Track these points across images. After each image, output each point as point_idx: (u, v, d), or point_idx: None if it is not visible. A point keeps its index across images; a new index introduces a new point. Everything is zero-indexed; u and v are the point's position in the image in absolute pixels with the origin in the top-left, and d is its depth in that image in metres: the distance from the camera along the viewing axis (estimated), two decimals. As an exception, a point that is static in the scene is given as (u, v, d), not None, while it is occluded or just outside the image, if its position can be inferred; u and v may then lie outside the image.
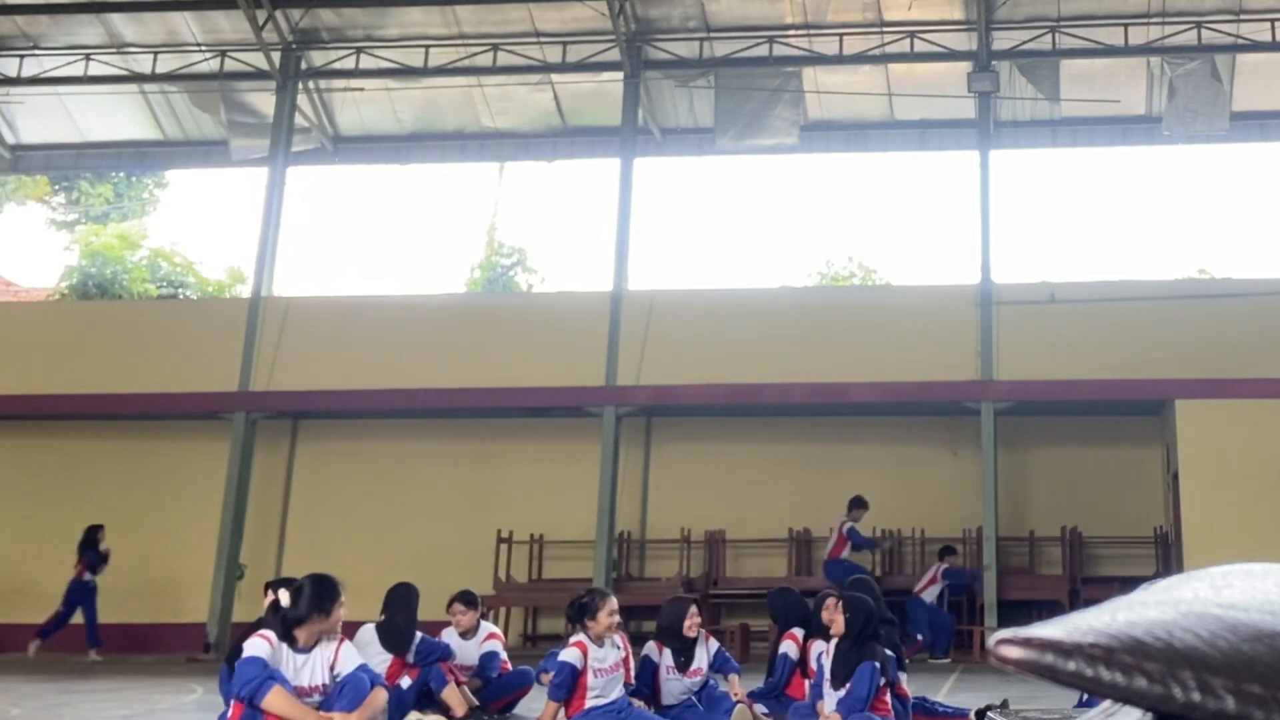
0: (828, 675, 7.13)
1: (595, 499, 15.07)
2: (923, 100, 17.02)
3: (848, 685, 6.90)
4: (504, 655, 8.61)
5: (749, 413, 16.07)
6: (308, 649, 5.56)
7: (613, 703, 7.01)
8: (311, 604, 5.57)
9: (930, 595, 14.26)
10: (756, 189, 36.51)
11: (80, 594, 14.16)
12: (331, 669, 5.63)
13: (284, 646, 5.49)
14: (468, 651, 8.34)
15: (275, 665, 5.47)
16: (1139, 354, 14.86)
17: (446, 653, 7.85)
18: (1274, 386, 14.43)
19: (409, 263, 36.83)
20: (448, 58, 16.99)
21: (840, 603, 7.15)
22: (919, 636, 13.69)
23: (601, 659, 7.02)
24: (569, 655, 6.99)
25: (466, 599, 8.50)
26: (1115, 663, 0.46)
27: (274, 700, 5.35)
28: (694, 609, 7.76)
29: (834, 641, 7.23)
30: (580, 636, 7.07)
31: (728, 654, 8.14)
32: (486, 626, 8.68)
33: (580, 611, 7.12)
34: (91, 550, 14.38)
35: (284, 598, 5.60)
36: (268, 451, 16.33)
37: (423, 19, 16.85)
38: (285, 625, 5.55)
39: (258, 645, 5.47)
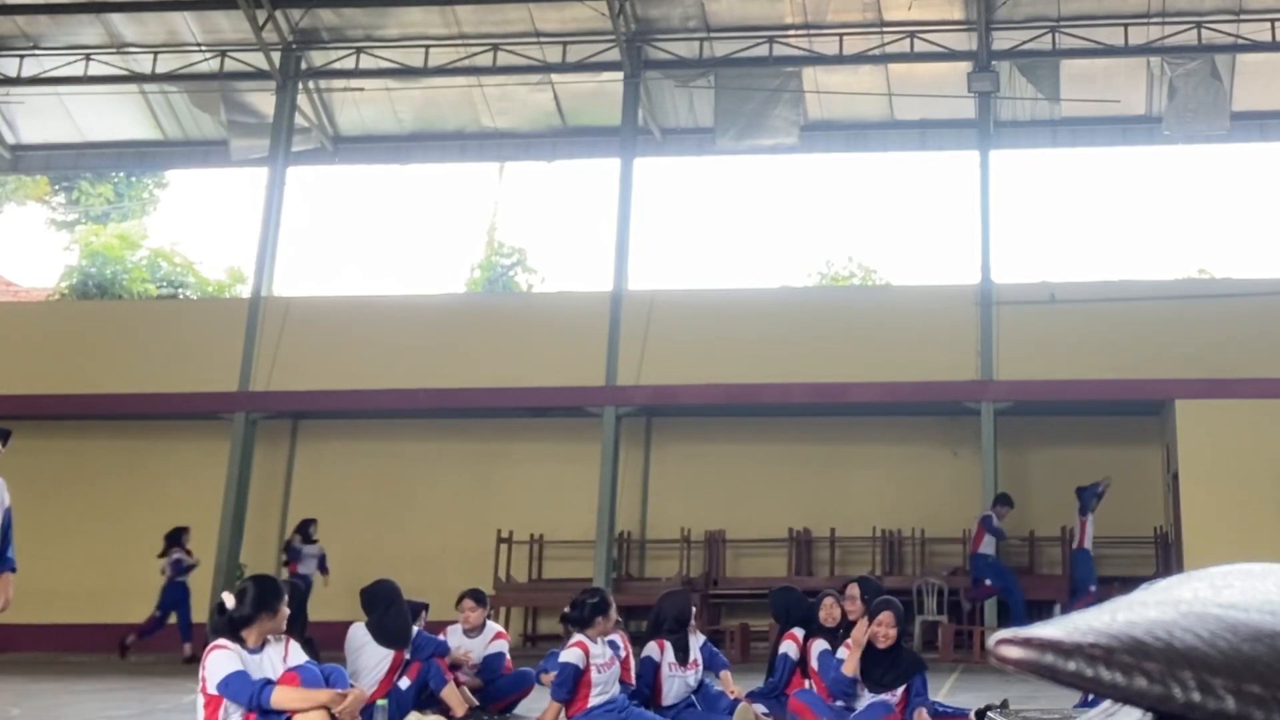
0: (856, 675, 7.09)
1: (595, 499, 15.08)
2: (923, 100, 17.02)
3: (900, 690, 6.95)
4: (508, 656, 8.69)
5: (749, 413, 16.07)
6: (258, 650, 5.57)
7: (612, 701, 7.02)
8: (258, 603, 5.58)
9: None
10: (756, 189, 36.53)
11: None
12: (284, 665, 5.65)
13: (240, 650, 5.50)
14: (472, 649, 8.37)
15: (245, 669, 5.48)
16: (1139, 354, 14.86)
17: (442, 648, 7.85)
18: (1274, 386, 14.43)
19: (409, 263, 36.86)
20: (448, 58, 17.00)
21: (892, 615, 7.11)
22: (1091, 589, 13.78)
23: (600, 655, 7.08)
24: (571, 656, 7.01)
25: (477, 596, 8.59)
26: (1115, 663, 0.46)
27: (281, 697, 5.39)
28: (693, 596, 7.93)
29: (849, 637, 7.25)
30: (580, 636, 7.10)
31: (714, 648, 8.17)
32: (493, 626, 8.75)
33: (588, 611, 7.12)
34: (307, 543, 14.34)
35: (228, 600, 5.61)
36: (268, 451, 16.33)
37: (423, 19, 16.85)
38: (233, 627, 5.55)
39: (226, 658, 5.45)
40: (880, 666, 7.00)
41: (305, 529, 14.63)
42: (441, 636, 8.17)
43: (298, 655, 5.68)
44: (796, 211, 36.20)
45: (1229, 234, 34.13)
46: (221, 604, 5.63)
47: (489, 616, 8.92)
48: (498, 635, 8.61)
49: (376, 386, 15.66)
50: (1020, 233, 34.62)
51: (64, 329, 17.01)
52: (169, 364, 16.02)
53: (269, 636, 5.63)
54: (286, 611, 5.74)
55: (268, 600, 5.62)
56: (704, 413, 16.16)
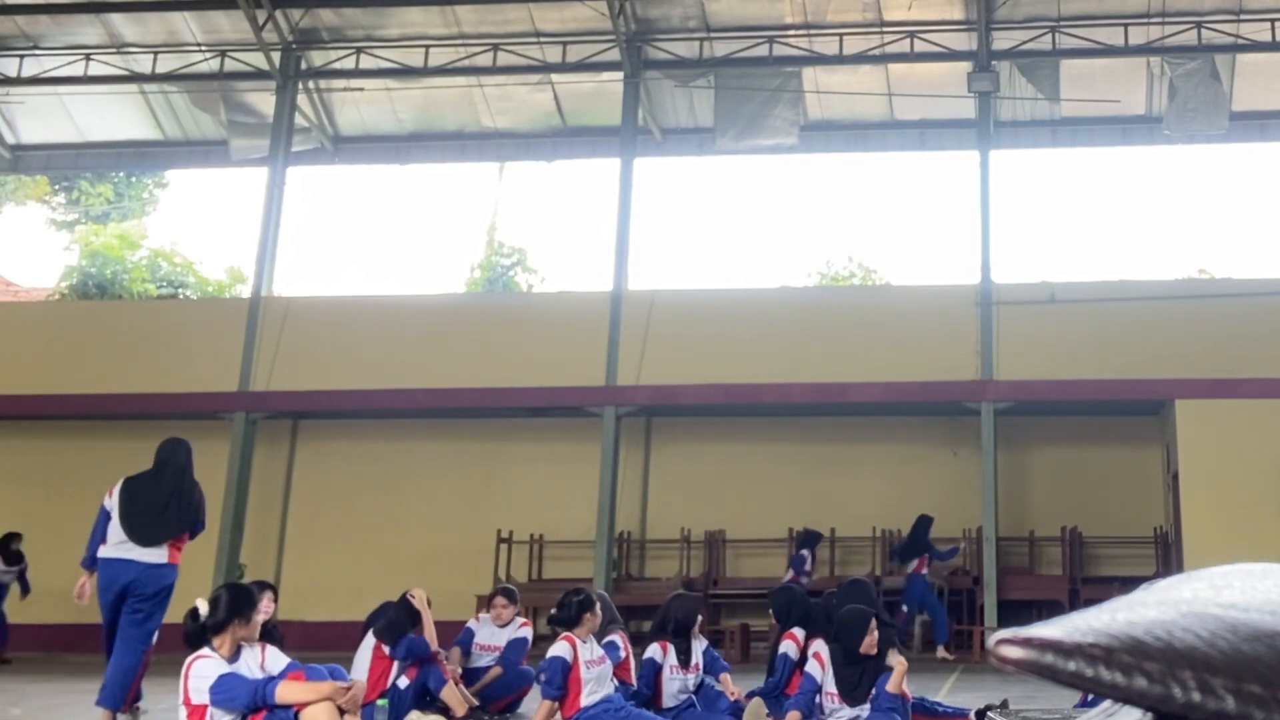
0: (832, 689, 7.06)
1: (595, 499, 15.08)
2: (923, 100, 17.02)
3: (873, 696, 6.93)
4: (529, 645, 9.02)
5: (749, 413, 16.07)
6: (234, 659, 5.58)
7: (609, 701, 7.01)
8: (230, 610, 5.59)
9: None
10: (756, 189, 36.56)
11: None
12: (262, 670, 5.66)
13: (219, 659, 5.51)
14: (499, 638, 8.79)
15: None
16: (1139, 354, 14.86)
17: (424, 650, 7.94)
18: (1274, 386, 14.43)
19: (409, 263, 36.88)
20: (448, 58, 17.00)
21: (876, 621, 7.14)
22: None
23: (589, 653, 7.08)
24: (559, 649, 7.05)
25: (508, 594, 9.07)
26: (1115, 663, 0.46)
27: (286, 690, 5.41)
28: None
29: (826, 650, 7.20)
30: (566, 633, 7.16)
31: (716, 652, 8.17)
32: (520, 619, 9.20)
33: (574, 610, 7.13)
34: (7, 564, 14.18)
35: (202, 607, 5.63)
36: (268, 451, 16.33)
37: (423, 19, 16.85)
38: (204, 633, 5.56)
39: (212, 665, 5.47)
40: (859, 673, 7.02)
41: (5, 546, 14.09)
42: (472, 622, 8.94)
43: (276, 660, 5.69)
44: (796, 211, 36.25)
45: (1229, 234, 34.17)
46: (195, 611, 5.64)
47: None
48: (523, 625, 9.11)
49: (376, 386, 15.66)
50: (1020, 233, 34.69)
51: (64, 329, 17.01)
52: (169, 364, 16.02)
53: (243, 644, 5.64)
54: (260, 619, 5.76)
55: (240, 607, 5.63)
56: (704, 413, 16.16)
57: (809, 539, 14.73)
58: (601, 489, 15.09)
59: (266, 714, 5.41)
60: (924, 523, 14.35)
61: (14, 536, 14.20)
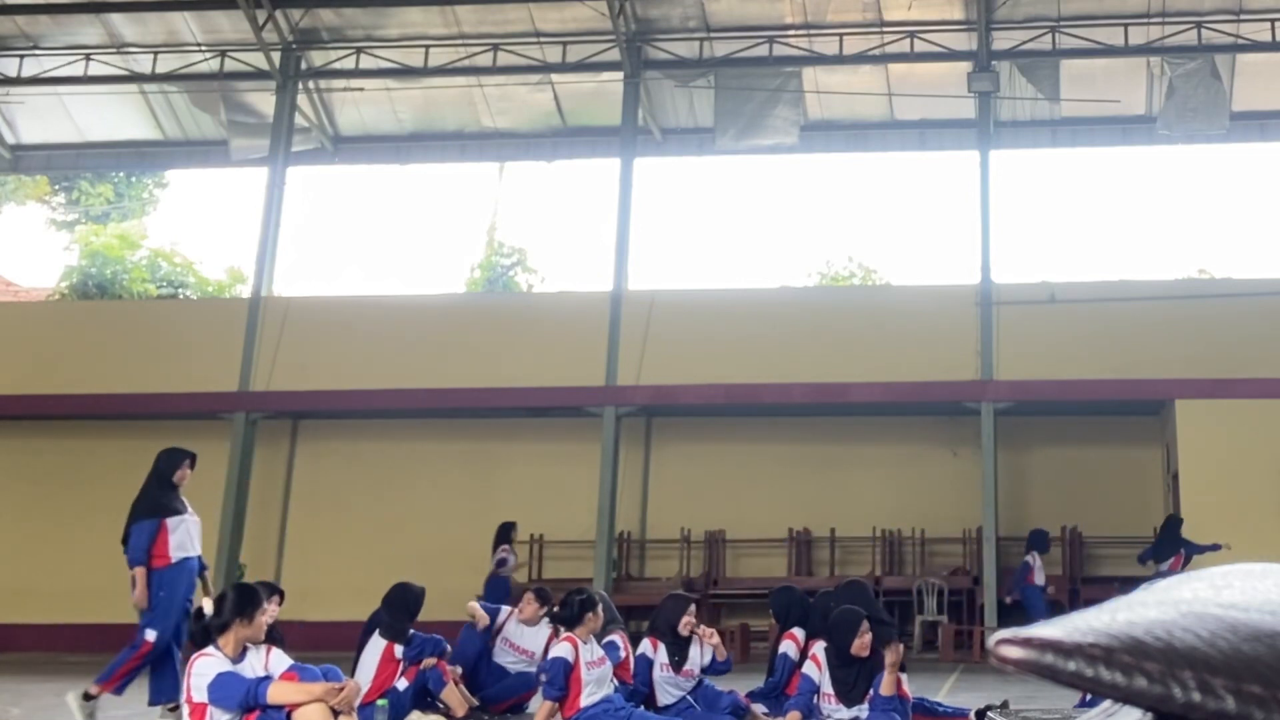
0: (829, 690, 7.08)
1: (595, 499, 15.08)
2: (923, 100, 17.02)
3: (870, 696, 6.95)
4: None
5: (749, 413, 16.07)
6: (239, 659, 5.59)
7: (609, 701, 7.02)
8: (235, 610, 5.61)
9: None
10: (756, 189, 36.56)
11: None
12: (266, 671, 5.67)
13: (223, 658, 5.52)
14: (526, 639, 8.52)
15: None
16: (1139, 354, 14.87)
17: (440, 647, 7.90)
18: (1274, 386, 14.43)
19: (409, 263, 36.88)
20: (448, 58, 17.00)
21: (867, 623, 7.16)
22: None
23: (590, 654, 7.09)
24: (561, 650, 7.05)
25: (540, 594, 8.77)
26: (1115, 663, 0.46)
27: (277, 691, 5.41)
28: (692, 608, 7.77)
29: (823, 651, 7.21)
30: (568, 634, 7.16)
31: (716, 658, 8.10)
32: (552, 627, 8.76)
33: (576, 610, 7.13)
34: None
35: (207, 606, 5.64)
36: (268, 451, 16.33)
37: (423, 19, 16.85)
38: (209, 633, 5.58)
39: (213, 663, 5.48)
40: (854, 674, 7.06)
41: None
42: (503, 611, 8.63)
43: (280, 662, 5.70)
44: (796, 211, 36.25)
45: (1229, 234, 34.18)
46: (199, 611, 5.66)
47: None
48: (552, 635, 8.69)
49: (376, 386, 15.66)
50: (1020, 233, 34.69)
51: (64, 329, 17.01)
52: (169, 364, 16.02)
53: (248, 645, 5.65)
54: (265, 620, 5.77)
55: (245, 608, 5.64)
56: (704, 413, 16.16)
57: (1036, 540, 14.20)
58: (601, 489, 15.09)
59: (260, 714, 5.42)
60: (1176, 522, 14.19)
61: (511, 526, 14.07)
